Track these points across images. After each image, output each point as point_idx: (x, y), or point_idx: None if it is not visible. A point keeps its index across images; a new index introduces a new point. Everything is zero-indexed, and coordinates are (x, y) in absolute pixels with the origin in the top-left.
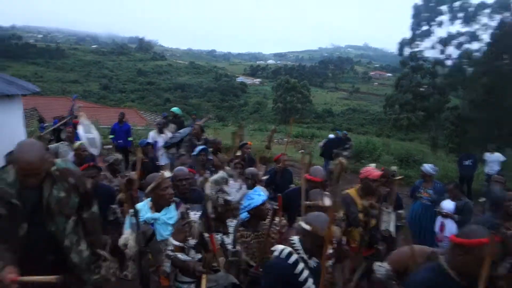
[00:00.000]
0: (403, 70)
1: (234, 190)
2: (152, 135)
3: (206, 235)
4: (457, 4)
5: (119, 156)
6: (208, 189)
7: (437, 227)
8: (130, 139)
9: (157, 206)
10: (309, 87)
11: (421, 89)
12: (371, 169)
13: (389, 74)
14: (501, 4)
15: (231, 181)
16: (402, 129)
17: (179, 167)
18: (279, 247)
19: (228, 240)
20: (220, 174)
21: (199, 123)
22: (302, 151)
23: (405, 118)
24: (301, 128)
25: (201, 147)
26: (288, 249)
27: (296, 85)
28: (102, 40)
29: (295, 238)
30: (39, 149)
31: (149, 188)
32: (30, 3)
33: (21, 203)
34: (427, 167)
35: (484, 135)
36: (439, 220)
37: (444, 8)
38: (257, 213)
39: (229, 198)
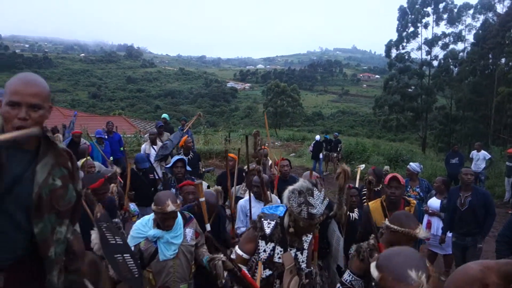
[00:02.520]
0: (390, 72)
1: (319, 202)
2: (144, 148)
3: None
4: (441, 5)
5: (117, 169)
6: (288, 199)
7: (424, 225)
8: (122, 149)
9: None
10: (298, 90)
11: (409, 90)
12: (388, 176)
13: (377, 76)
14: (484, 5)
15: (315, 192)
16: (391, 130)
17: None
18: None
19: (302, 257)
20: (303, 183)
21: (188, 124)
22: (293, 154)
23: (394, 119)
24: (292, 131)
25: (177, 157)
26: None
27: (286, 89)
28: (90, 48)
29: None
30: (46, 85)
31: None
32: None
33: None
34: (413, 165)
35: (472, 133)
36: (426, 218)
37: (429, 9)
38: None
39: (314, 211)
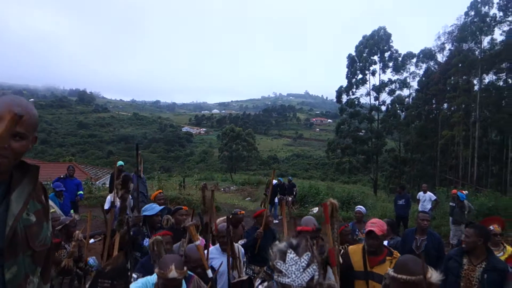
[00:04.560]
0: (342, 116)
1: (294, 268)
2: (109, 200)
3: None
4: (386, 54)
5: (76, 217)
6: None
7: None
8: (80, 192)
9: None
10: (254, 134)
11: (359, 133)
12: (370, 221)
13: (330, 120)
14: (426, 54)
15: (290, 255)
16: (345, 172)
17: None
18: None
19: None
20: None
21: (140, 168)
22: (249, 198)
23: (347, 162)
24: (247, 176)
25: (159, 207)
26: None
27: (241, 133)
28: (41, 93)
29: None
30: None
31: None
32: None
33: None
34: (360, 208)
35: (420, 175)
36: None
37: (375, 58)
38: None
39: (285, 281)
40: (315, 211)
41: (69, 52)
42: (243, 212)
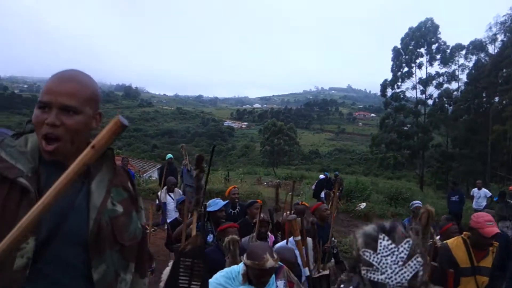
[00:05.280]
0: (386, 110)
1: (390, 261)
2: (159, 196)
3: None
4: (434, 46)
5: None
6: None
7: None
8: None
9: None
10: (295, 129)
11: (405, 128)
12: (484, 219)
13: (373, 115)
14: (476, 46)
15: (384, 243)
16: (389, 168)
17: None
18: None
19: None
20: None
21: (185, 162)
22: (290, 193)
23: (391, 157)
24: (289, 170)
25: (224, 202)
26: None
27: (283, 128)
28: None
29: None
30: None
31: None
32: (15, 54)
33: (36, 191)
34: (417, 203)
35: (469, 171)
36: None
37: (422, 50)
38: None
39: (378, 277)
40: (362, 207)
41: (114, 48)
42: (306, 204)
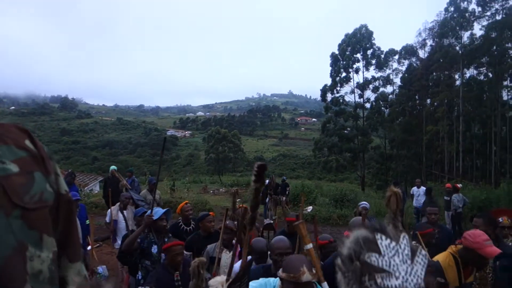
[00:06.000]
0: (327, 115)
1: (399, 260)
2: (109, 214)
3: None
4: (369, 52)
5: None
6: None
7: None
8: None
9: None
10: (239, 136)
11: (345, 131)
12: (482, 238)
13: (315, 119)
14: (407, 51)
15: (385, 242)
16: (332, 171)
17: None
18: None
19: None
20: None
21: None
22: (239, 200)
23: (333, 160)
24: (235, 177)
25: (163, 210)
26: None
27: (227, 135)
28: (22, 100)
29: None
30: None
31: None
32: None
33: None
34: (364, 203)
35: (406, 171)
36: None
37: (358, 56)
38: None
39: (395, 284)
40: (309, 210)
41: (48, 59)
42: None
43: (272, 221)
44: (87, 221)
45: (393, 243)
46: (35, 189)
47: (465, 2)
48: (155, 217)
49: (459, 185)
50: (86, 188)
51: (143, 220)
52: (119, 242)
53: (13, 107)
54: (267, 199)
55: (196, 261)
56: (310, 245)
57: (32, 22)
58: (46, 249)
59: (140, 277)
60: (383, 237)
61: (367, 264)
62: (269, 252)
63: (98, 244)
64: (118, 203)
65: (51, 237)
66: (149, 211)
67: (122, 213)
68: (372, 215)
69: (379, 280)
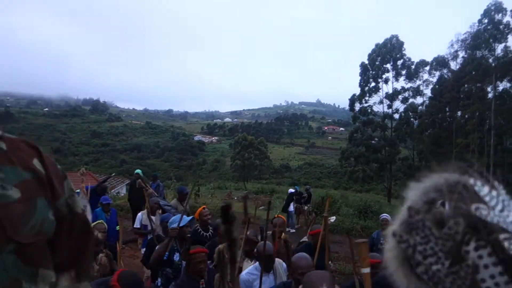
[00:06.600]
0: (355, 125)
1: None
2: (140, 218)
3: None
4: (399, 62)
5: (100, 234)
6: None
7: None
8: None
9: None
10: (266, 143)
11: (372, 142)
12: None
13: (342, 129)
14: (439, 62)
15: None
16: (358, 181)
17: None
18: None
19: None
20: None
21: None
22: (263, 207)
23: (360, 170)
24: (260, 184)
25: (188, 218)
26: None
27: (253, 142)
28: (55, 103)
29: None
30: None
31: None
32: None
33: None
34: (385, 215)
35: None
36: None
37: (388, 66)
38: None
39: None
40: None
41: (82, 61)
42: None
43: (294, 231)
44: (117, 226)
45: (497, 192)
46: (36, 219)
47: (500, 14)
48: (180, 224)
49: None
50: (113, 190)
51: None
52: None
53: (46, 109)
54: (292, 208)
55: (221, 246)
56: (367, 269)
57: (67, 26)
58: (42, 282)
59: (159, 284)
60: (479, 182)
61: (480, 222)
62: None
63: (122, 246)
64: (146, 209)
65: (48, 269)
66: (173, 220)
67: (150, 218)
68: None
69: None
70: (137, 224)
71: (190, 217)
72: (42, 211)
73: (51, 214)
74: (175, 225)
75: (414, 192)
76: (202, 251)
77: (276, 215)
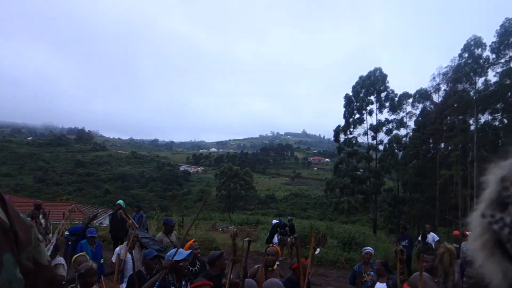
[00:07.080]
0: (340, 156)
1: None
2: (118, 252)
3: None
4: (383, 94)
5: (94, 264)
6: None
7: None
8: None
9: None
10: (251, 173)
11: (357, 173)
12: None
13: (327, 159)
14: (421, 94)
15: None
16: (343, 212)
17: None
18: None
19: None
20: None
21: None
22: (247, 239)
23: (345, 201)
24: (245, 215)
25: (187, 252)
26: None
27: (239, 172)
28: (39, 131)
29: None
30: None
31: None
32: None
33: None
34: (369, 249)
35: (419, 215)
36: None
37: (372, 98)
38: None
39: None
40: (317, 252)
41: (67, 91)
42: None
43: (278, 262)
44: (102, 260)
45: None
46: (2, 280)
47: (479, 49)
48: (179, 258)
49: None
50: (95, 221)
51: (153, 263)
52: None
53: (30, 137)
54: (276, 239)
55: (233, 231)
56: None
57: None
58: None
59: None
60: None
61: None
62: None
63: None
64: (126, 242)
65: None
66: (171, 254)
67: (131, 253)
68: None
69: None
70: (113, 259)
71: (189, 251)
72: (9, 270)
73: (18, 272)
74: (174, 258)
75: (506, 164)
76: (207, 283)
77: (270, 245)
